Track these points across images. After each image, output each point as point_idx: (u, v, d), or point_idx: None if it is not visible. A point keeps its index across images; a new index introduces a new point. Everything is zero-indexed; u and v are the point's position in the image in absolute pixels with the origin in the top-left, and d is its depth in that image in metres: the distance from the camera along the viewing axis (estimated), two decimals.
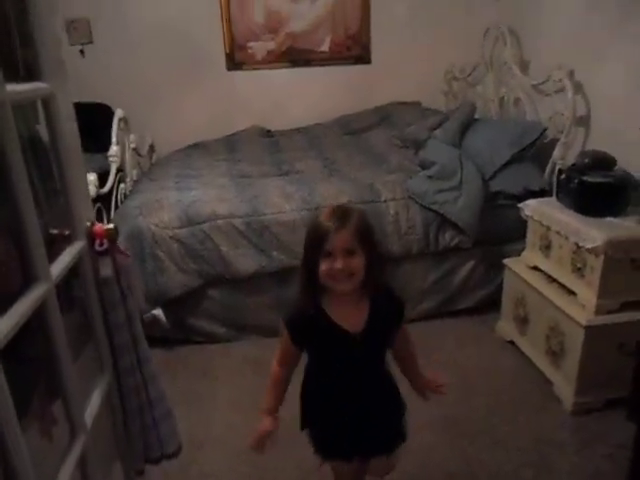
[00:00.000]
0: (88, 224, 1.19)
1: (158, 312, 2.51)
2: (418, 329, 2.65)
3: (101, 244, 1.19)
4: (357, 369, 1.30)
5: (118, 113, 3.01)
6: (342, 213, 1.22)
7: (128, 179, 3.10)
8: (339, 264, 1.18)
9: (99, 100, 3.64)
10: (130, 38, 3.76)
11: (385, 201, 2.64)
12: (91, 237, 1.19)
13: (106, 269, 1.21)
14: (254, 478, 1.82)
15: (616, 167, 2.16)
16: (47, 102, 1.04)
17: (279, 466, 1.85)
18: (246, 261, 2.52)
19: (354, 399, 1.31)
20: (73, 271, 1.11)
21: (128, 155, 3.14)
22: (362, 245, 1.20)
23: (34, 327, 0.94)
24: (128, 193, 3.00)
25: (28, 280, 0.92)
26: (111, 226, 1.21)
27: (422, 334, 2.62)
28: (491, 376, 2.30)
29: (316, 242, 1.19)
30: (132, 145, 3.22)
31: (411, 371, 1.43)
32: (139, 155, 3.43)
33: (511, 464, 1.83)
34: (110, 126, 2.90)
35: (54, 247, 1.04)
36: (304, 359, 1.35)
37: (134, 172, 3.23)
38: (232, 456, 1.92)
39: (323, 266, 1.19)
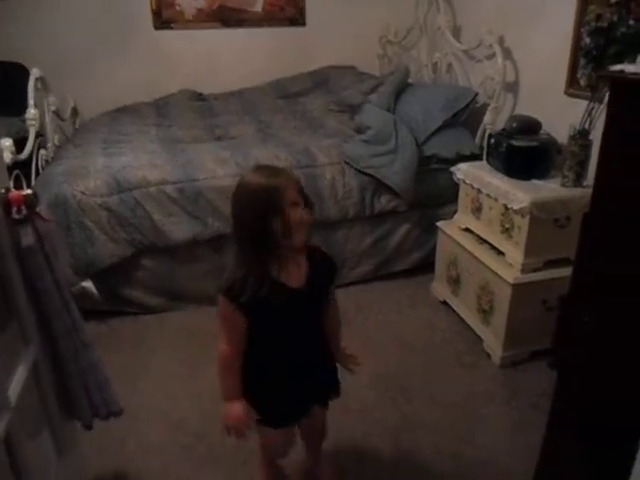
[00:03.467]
0: (2, 191, 1.10)
1: (88, 284, 2.41)
2: (355, 292, 2.74)
3: (19, 211, 1.11)
4: (302, 326, 1.32)
5: (34, 73, 2.78)
6: (275, 169, 1.25)
7: (49, 144, 2.90)
8: (306, 212, 1.20)
9: (12, 59, 3.36)
10: None
11: (321, 165, 2.62)
12: (7, 205, 1.10)
13: (27, 238, 1.13)
14: (195, 448, 1.81)
15: (541, 131, 2.24)
16: None
17: (218, 433, 1.83)
18: (180, 229, 2.44)
19: (300, 357, 1.34)
20: None
21: (48, 118, 2.93)
22: (303, 196, 1.23)
23: None
24: (50, 160, 2.82)
25: None
26: (29, 191, 1.13)
27: (359, 297, 2.69)
28: (426, 336, 2.38)
29: (270, 201, 1.15)
30: (52, 108, 3.01)
31: (335, 339, 1.45)
32: (61, 119, 3.21)
33: (446, 418, 1.91)
34: (26, 87, 2.69)
35: None
36: None
37: (56, 137, 3.03)
38: (171, 427, 1.89)
39: (294, 215, 1.17)
